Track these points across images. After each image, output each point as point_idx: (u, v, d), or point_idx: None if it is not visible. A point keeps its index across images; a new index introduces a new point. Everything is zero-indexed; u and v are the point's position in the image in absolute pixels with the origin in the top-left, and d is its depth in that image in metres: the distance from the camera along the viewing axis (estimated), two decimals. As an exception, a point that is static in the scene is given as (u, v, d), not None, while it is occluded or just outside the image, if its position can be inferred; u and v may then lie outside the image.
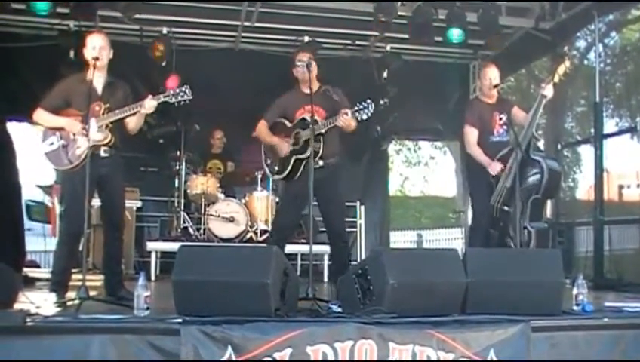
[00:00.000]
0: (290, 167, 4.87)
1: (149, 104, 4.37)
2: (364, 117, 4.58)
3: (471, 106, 5.81)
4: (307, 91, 4.59)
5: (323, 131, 4.65)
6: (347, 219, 8.60)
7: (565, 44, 8.45)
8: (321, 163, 4.69)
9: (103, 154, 4.45)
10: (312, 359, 3.14)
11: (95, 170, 4.21)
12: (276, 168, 5.01)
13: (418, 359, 3.23)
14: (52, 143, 4.49)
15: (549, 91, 5.15)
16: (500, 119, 5.45)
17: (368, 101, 4.57)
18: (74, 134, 4.40)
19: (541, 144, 5.94)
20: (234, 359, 3.08)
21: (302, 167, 4.80)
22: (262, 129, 5.01)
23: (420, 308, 3.43)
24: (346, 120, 4.58)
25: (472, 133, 5.47)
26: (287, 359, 3.12)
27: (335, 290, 4.59)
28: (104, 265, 4.74)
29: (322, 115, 4.75)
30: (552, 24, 7.80)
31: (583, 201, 14.11)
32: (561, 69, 5.20)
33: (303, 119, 4.79)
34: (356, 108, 4.58)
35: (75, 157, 4.40)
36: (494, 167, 5.27)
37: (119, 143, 4.55)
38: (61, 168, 4.55)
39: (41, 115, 4.49)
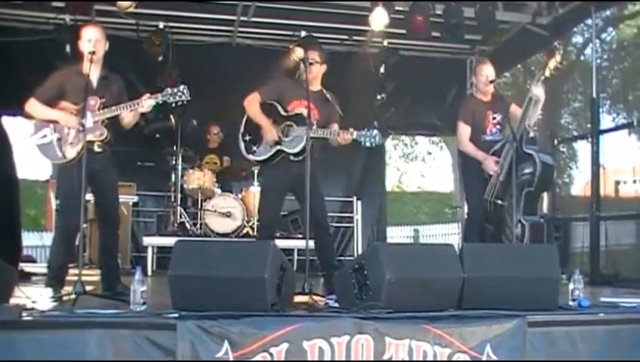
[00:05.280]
0: (269, 154, 4.80)
1: (147, 103, 4.35)
2: (367, 144, 4.56)
3: (465, 103, 5.73)
4: (311, 89, 4.57)
5: (316, 136, 4.61)
6: (344, 215, 8.74)
7: (562, 40, 8.46)
8: (301, 158, 4.61)
9: (96, 149, 4.41)
10: (309, 354, 3.14)
11: (89, 165, 4.12)
12: (254, 148, 4.90)
13: (414, 354, 3.24)
14: (45, 136, 4.42)
15: (538, 91, 5.08)
16: (494, 118, 5.39)
17: (375, 132, 4.54)
18: (68, 128, 4.36)
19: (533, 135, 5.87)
20: (230, 354, 3.08)
21: (280, 158, 4.76)
22: (254, 103, 4.87)
23: (417, 303, 3.43)
24: (347, 140, 4.58)
25: (464, 130, 5.40)
26: (283, 354, 3.12)
27: (325, 285, 4.60)
28: (100, 260, 4.73)
29: (316, 116, 4.71)
30: (549, 19, 7.80)
31: (579, 197, 14.13)
32: (552, 63, 5.13)
33: (301, 115, 4.71)
34: (362, 133, 4.55)
35: (69, 151, 4.37)
36: (490, 166, 5.22)
37: (112, 139, 4.52)
38: (54, 162, 4.52)
39: (34, 106, 4.42)
